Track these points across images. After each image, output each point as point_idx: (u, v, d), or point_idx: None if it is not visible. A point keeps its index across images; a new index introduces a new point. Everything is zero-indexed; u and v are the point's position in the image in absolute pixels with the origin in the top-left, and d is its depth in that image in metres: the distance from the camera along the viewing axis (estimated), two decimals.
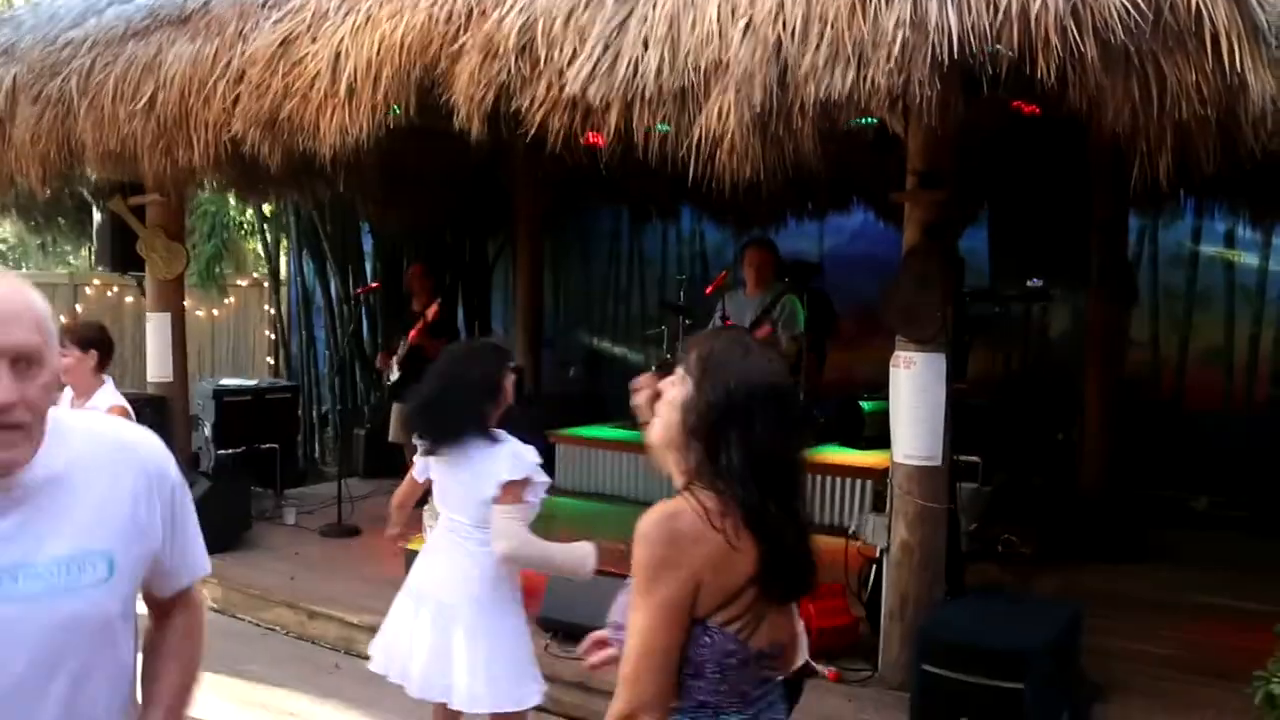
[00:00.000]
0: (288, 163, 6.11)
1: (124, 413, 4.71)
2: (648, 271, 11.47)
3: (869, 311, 8.93)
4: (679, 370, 2.24)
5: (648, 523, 2.09)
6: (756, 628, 2.11)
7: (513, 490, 3.62)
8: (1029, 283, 5.01)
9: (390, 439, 8.71)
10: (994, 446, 7.69)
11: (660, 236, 11.29)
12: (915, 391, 5.08)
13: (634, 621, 2.08)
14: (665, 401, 2.24)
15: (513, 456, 3.67)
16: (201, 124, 5.98)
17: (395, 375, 8.54)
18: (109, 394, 4.87)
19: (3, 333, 1.66)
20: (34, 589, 1.70)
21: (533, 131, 4.75)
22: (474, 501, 3.68)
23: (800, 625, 2.38)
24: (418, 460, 3.95)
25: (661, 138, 4.42)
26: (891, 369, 5.17)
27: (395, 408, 8.58)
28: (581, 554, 3.71)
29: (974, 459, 7.09)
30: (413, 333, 8.31)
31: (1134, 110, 3.76)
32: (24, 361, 1.67)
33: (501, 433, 3.74)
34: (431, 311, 8.28)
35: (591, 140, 4.79)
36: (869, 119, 4.22)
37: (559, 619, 5.50)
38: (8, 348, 1.65)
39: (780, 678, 2.29)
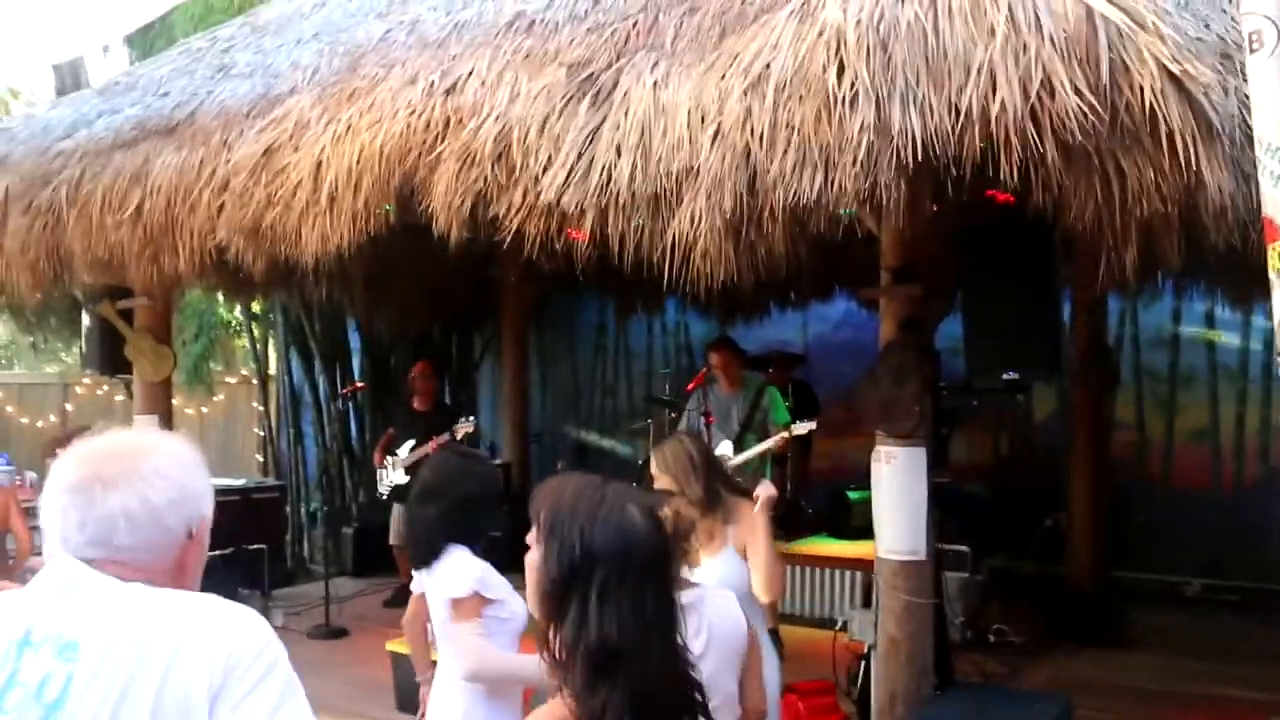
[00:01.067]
0: (272, 269, 6.19)
1: None
2: (634, 363, 11.53)
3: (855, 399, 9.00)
4: (533, 529, 1.99)
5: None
6: None
7: (465, 606, 3.39)
8: (1004, 375, 5.05)
9: (391, 541, 8.53)
10: (983, 534, 7.71)
11: (646, 328, 11.37)
12: (897, 486, 5.10)
13: None
14: (528, 565, 1.99)
15: (453, 572, 3.47)
16: (187, 232, 6.05)
17: (401, 479, 8.37)
18: None
19: None
20: None
21: (510, 236, 4.82)
22: (437, 618, 3.56)
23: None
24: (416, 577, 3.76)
25: (636, 240, 4.49)
26: (873, 464, 5.19)
27: (396, 509, 8.42)
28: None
29: (963, 548, 7.10)
30: (433, 445, 8.06)
31: (1097, 207, 3.85)
32: None
33: (452, 547, 3.53)
34: (461, 431, 8.28)
35: (572, 235, 4.84)
36: (848, 211, 4.28)
37: None
38: None
39: None
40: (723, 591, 3.18)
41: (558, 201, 4.57)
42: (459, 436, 8.23)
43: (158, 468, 1.75)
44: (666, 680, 1.88)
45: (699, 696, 1.97)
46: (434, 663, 3.74)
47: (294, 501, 11.05)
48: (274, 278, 7.45)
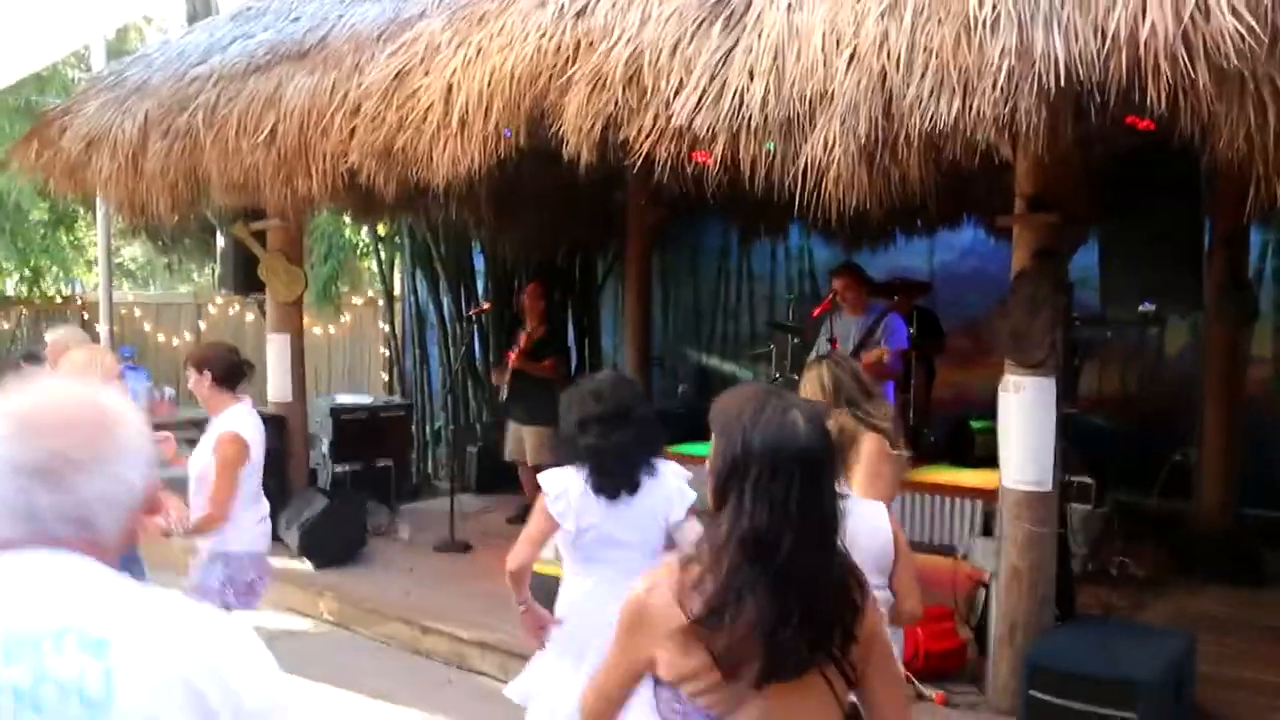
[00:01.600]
0: (402, 192, 6.28)
1: (232, 439, 4.78)
2: (757, 288, 11.48)
3: (980, 329, 8.86)
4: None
5: (632, 589, 2.16)
6: (732, 709, 2.02)
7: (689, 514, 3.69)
8: (1141, 306, 4.94)
9: (506, 458, 8.83)
10: (1109, 467, 7.58)
11: (769, 254, 11.29)
12: (1024, 416, 5.05)
13: (600, 663, 2.25)
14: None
15: (678, 474, 3.76)
16: (320, 155, 6.18)
17: (504, 394, 8.64)
18: (231, 417, 4.87)
19: None
20: None
21: (639, 160, 4.82)
22: (651, 535, 3.68)
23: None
24: (561, 511, 3.69)
25: (768, 165, 4.46)
26: (1000, 393, 5.14)
27: (510, 426, 8.70)
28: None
29: (1088, 480, 7.00)
30: (512, 358, 8.40)
31: (1249, 134, 3.70)
32: None
33: (658, 462, 3.77)
34: (524, 340, 8.45)
35: (699, 159, 4.82)
36: (985, 137, 4.20)
37: None
38: None
39: None
40: (871, 503, 3.36)
41: (689, 125, 4.55)
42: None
43: (128, 443, 1.62)
44: (814, 573, 2.01)
45: (857, 598, 2.09)
46: None
47: (419, 420, 11.29)
48: (403, 200, 7.57)
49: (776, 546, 1.96)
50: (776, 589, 1.96)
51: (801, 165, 4.30)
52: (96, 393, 1.66)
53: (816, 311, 7.97)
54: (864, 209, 4.30)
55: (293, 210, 7.48)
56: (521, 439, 8.51)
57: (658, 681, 2.09)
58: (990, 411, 6.72)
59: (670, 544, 3.68)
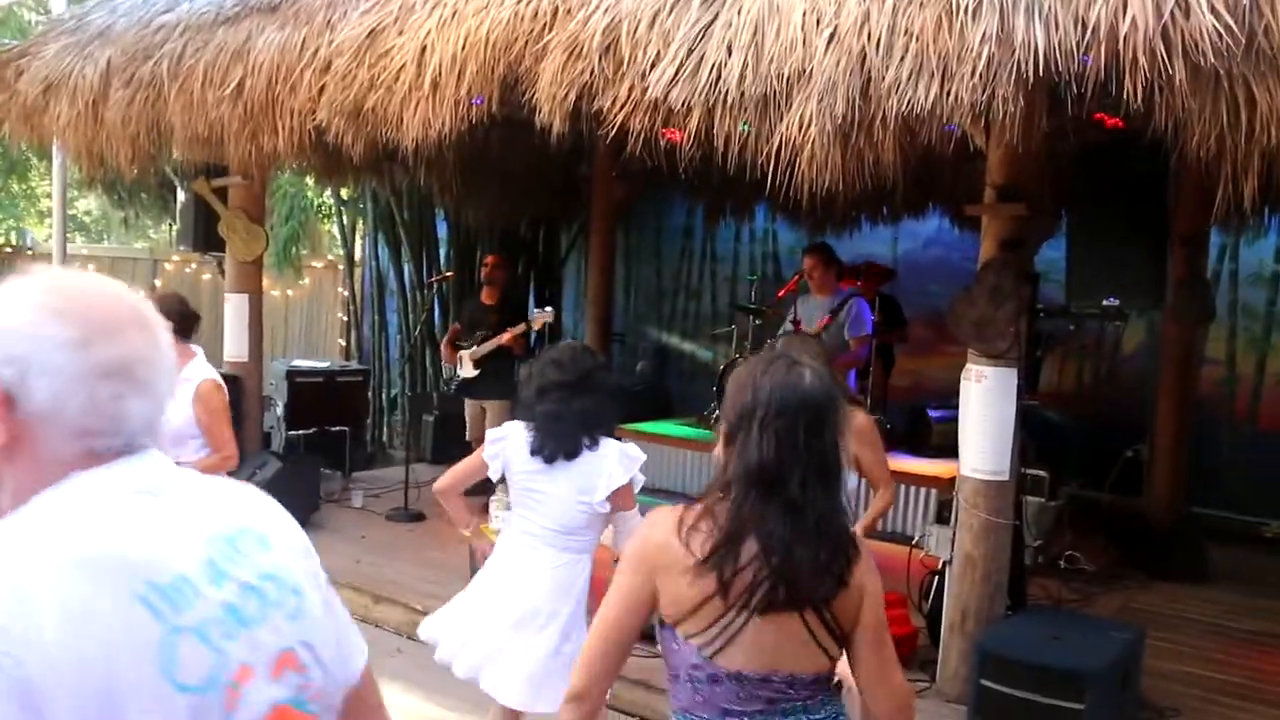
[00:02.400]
0: (370, 152, 6.19)
1: (216, 387, 4.81)
2: (719, 269, 11.48)
3: (940, 318, 8.88)
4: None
5: (641, 523, 2.25)
6: (724, 647, 2.10)
7: (627, 493, 3.73)
8: (1106, 301, 4.96)
9: (469, 438, 8.41)
10: (1063, 461, 7.65)
11: (734, 235, 11.28)
12: (985, 405, 5.06)
13: (601, 609, 2.23)
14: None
15: (622, 457, 3.75)
16: (287, 111, 6.07)
17: (471, 372, 8.27)
18: (200, 367, 4.85)
19: None
20: None
21: (613, 132, 4.78)
22: (577, 506, 3.72)
23: (842, 662, 2.24)
24: (493, 455, 3.87)
25: (741, 143, 4.43)
26: (962, 382, 5.16)
27: (469, 405, 8.42)
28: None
29: (1042, 473, 7.04)
30: (508, 336, 7.98)
31: (1221, 133, 3.72)
32: None
33: (601, 437, 3.78)
34: (527, 328, 8.11)
35: (669, 136, 4.80)
36: (960, 124, 4.20)
37: None
38: None
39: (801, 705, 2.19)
40: None
41: (664, 98, 4.52)
42: (537, 327, 8.18)
43: (168, 343, 1.44)
44: (819, 512, 2.09)
45: (851, 552, 2.15)
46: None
47: (375, 388, 11.22)
48: (369, 162, 7.49)
49: (784, 479, 2.07)
50: (783, 518, 2.07)
51: (776, 144, 4.28)
52: (123, 287, 1.46)
53: (782, 292, 7.97)
54: (835, 191, 4.28)
55: (256, 167, 7.35)
56: (480, 416, 8.22)
57: (661, 624, 2.18)
58: (947, 401, 6.78)
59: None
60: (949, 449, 7.44)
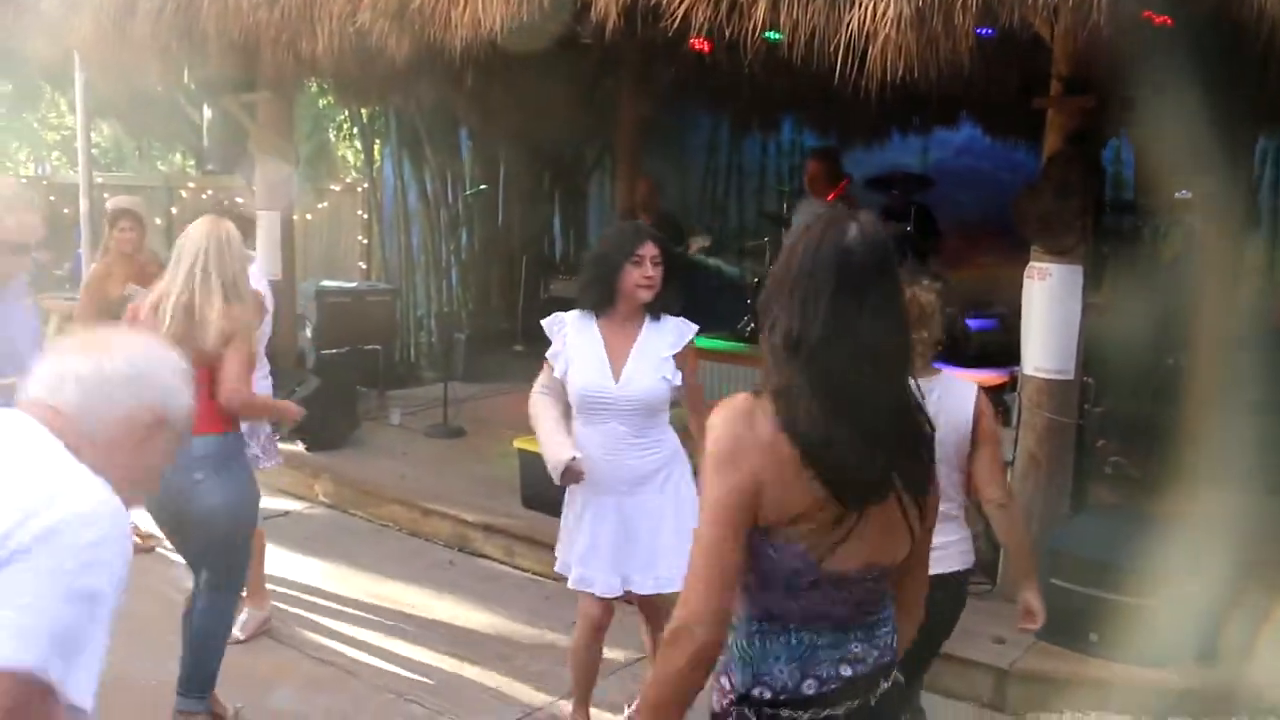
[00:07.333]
0: (413, 57, 5.98)
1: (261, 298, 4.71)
2: (746, 183, 11.33)
3: (973, 228, 8.77)
4: None
5: (716, 418, 1.96)
6: (832, 549, 1.91)
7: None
8: (1178, 194, 4.86)
9: None
10: (1104, 368, 7.56)
11: (760, 148, 11.13)
12: (1049, 303, 4.99)
13: (697, 527, 1.94)
14: None
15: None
16: (327, 14, 5.89)
17: None
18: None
19: None
20: None
21: (675, 25, 4.63)
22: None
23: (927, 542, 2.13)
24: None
25: (809, 32, 4.30)
26: (1025, 280, 5.07)
27: None
28: (552, 458, 3.75)
29: (1087, 379, 6.96)
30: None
31: None
32: None
33: None
34: (696, 246, 9.10)
35: (697, 47, 4.69)
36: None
37: None
38: None
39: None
40: (964, 382, 3.50)
41: None
42: (693, 250, 8.71)
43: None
44: (859, 375, 1.88)
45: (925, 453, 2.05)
46: None
47: (403, 308, 11.13)
48: (407, 72, 7.26)
49: (818, 346, 1.87)
50: (825, 387, 1.87)
51: (847, 32, 4.16)
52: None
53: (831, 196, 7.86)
54: (910, 78, 4.15)
55: (286, 81, 7.20)
56: None
57: (755, 529, 1.92)
58: (982, 311, 6.69)
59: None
60: (988, 358, 7.43)
